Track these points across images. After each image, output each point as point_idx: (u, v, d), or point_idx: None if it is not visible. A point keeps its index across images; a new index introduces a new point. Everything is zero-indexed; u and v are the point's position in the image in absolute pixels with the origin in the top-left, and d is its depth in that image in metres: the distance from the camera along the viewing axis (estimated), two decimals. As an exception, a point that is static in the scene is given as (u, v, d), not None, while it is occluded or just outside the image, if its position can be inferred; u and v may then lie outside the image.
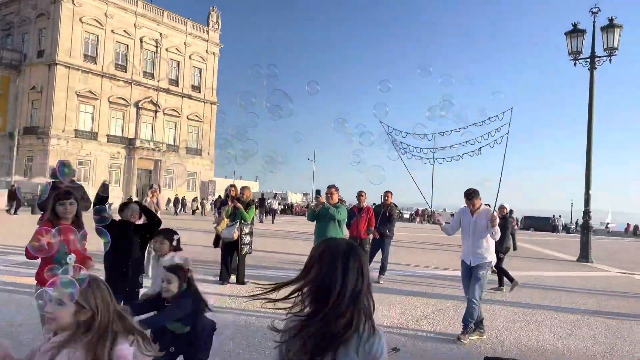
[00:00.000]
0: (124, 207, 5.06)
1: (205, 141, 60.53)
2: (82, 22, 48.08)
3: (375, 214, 10.77)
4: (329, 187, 8.44)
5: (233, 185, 10.19)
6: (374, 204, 14.46)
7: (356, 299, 1.78)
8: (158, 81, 55.03)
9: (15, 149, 44.71)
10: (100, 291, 2.10)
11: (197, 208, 47.11)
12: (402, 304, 8.50)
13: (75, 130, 48.17)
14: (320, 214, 8.20)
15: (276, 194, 36.76)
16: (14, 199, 28.71)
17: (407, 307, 8.33)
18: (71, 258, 3.89)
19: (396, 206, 11.75)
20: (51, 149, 46.06)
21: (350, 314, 1.76)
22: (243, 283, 9.34)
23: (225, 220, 9.46)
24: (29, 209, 31.30)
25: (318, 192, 8.59)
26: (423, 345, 6.18)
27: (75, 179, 8.13)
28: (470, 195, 6.65)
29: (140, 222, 5.31)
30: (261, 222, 33.31)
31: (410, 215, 64.38)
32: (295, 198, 77.14)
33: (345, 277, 1.79)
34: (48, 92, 46.96)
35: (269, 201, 41.28)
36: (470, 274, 6.59)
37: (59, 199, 4.43)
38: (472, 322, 6.38)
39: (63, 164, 7.63)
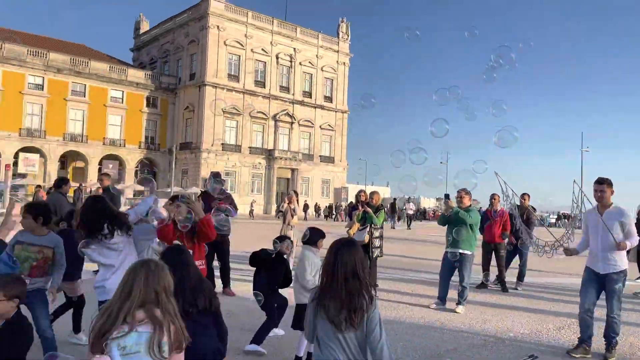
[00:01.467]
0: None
1: (337, 149, 62.37)
2: (226, 45, 52.75)
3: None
4: (459, 191, 8.34)
5: (363, 191, 10.50)
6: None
7: (348, 279, 2.85)
8: (293, 94, 58.15)
9: (173, 163, 50.41)
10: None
11: (328, 213, 48.77)
12: (540, 312, 8.07)
13: (222, 143, 52.84)
14: (451, 218, 8.15)
15: (410, 198, 36.11)
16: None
17: (546, 315, 7.89)
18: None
19: (534, 209, 11.12)
20: (202, 162, 51.08)
21: (347, 289, 2.84)
22: (375, 285, 9.59)
23: (356, 225, 9.80)
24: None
25: (447, 196, 8.52)
26: (562, 355, 5.86)
27: (224, 188, 9.12)
28: (601, 182, 5.77)
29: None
30: (392, 227, 33.12)
31: (558, 218, 59.26)
32: (428, 203, 75.69)
33: (336, 265, 2.88)
34: (199, 110, 52.25)
35: (404, 207, 41.15)
36: (597, 283, 5.80)
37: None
38: (615, 337, 5.83)
39: (214, 176, 8.60)
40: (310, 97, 59.95)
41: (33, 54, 46.87)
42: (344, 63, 62.97)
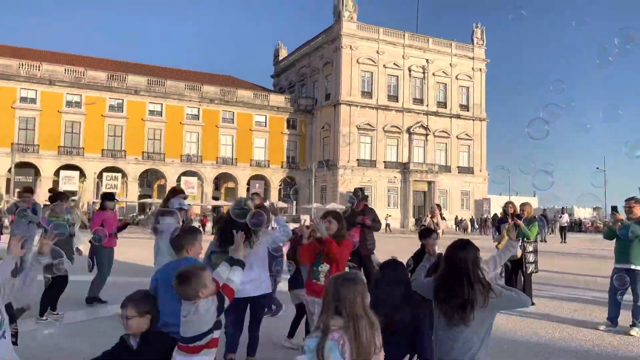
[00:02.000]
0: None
1: (476, 159, 59.78)
2: (358, 63, 53.99)
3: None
4: (628, 200, 7.51)
5: (511, 202, 9.96)
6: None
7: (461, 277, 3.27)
8: (427, 105, 57.27)
9: (312, 180, 52.59)
10: None
11: (467, 226, 46.81)
12: None
13: (358, 159, 53.82)
14: (619, 232, 7.36)
15: (564, 208, 32.95)
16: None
17: None
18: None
19: None
20: (339, 178, 52.51)
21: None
22: (531, 304, 8.96)
23: (505, 238, 9.31)
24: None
25: (614, 208, 7.73)
26: None
27: (366, 202, 9.31)
28: None
29: None
30: (543, 240, 30.58)
31: None
32: (583, 213, 68.57)
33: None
34: (334, 129, 53.97)
35: (554, 217, 37.85)
36: None
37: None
38: None
39: (358, 190, 8.81)
40: (445, 107, 58.49)
41: (190, 88, 52.64)
42: (480, 69, 60.48)
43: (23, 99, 45.87)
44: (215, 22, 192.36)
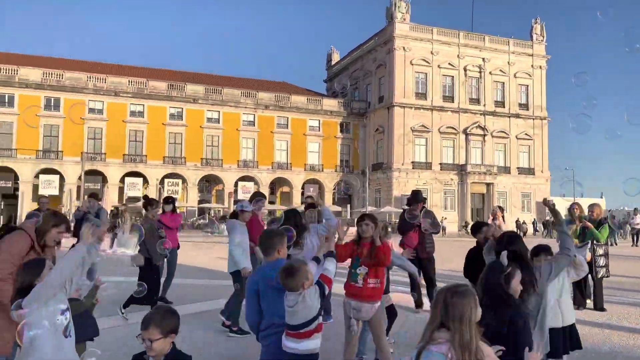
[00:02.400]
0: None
1: (537, 159, 57.52)
2: (412, 65, 53.35)
3: None
4: None
5: (577, 204, 9.52)
6: None
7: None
8: (484, 105, 55.73)
9: (367, 183, 52.35)
10: None
11: (527, 230, 44.92)
12: None
13: (412, 162, 53.09)
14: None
15: (636, 209, 30.96)
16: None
17: None
18: None
19: None
20: (394, 181, 51.99)
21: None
22: (602, 309, 8.52)
23: (575, 241, 8.91)
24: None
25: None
26: None
27: (424, 205, 9.18)
28: None
29: None
30: (612, 244, 28.82)
31: None
32: (657, 216, 64.30)
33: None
34: (388, 131, 53.54)
35: (622, 219, 35.74)
36: None
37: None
38: None
39: (416, 193, 8.72)
40: (503, 107, 56.69)
41: (246, 95, 53.87)
42: (540, 66, 58.22)
43: (91, 110, 48.55)
44: (269, 30, 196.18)
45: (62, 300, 3.14)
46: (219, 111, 52.79)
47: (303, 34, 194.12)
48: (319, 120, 56.48)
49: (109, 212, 43.11)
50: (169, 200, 9.42)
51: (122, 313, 7.41)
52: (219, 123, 52.79)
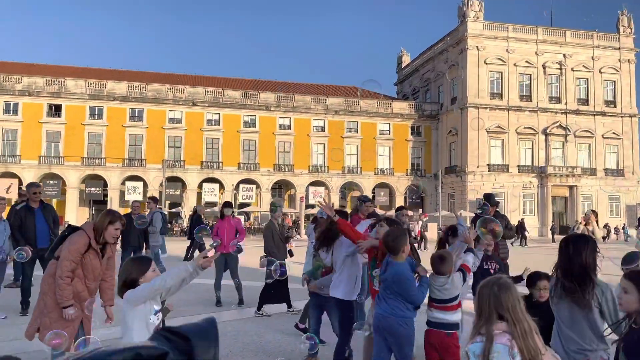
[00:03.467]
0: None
1: (627, 160, 53.50)
2: (486, 64, 51.57)
3: None
4: None
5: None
6: None
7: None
8: (565, 104, 52.73)
9: (439, 187, 51.16)
10: None
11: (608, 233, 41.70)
12: None
13: (488, 164, 51.22)
14: None
15: None
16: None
17: None
18: None
19: None
20: (468, 184, 50.40)
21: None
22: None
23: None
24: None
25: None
26: None
27: (498, 209, 8.81)
28: None
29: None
30: None
31: None
32: None
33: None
34: (462, 133, 52.03)
35: None
36: None
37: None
38: None
39: (489, 196, 8.41)
40: (587, 104, 53.32)
41: (316, 101, 54.56)
42: (629, 60, 54.22)
43: (171, 120, 51.26)
44: (339, 35, 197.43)
45: (157, 302, 3.34)
46: (290, 117, 53.84)
47: (373, 37, 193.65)
48: (390, 124, 55.99)
49: (188, 214, 45.09)
50: (228, 204, 9.83)
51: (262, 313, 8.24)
52: (290, 129, 53.83)
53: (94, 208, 50.06)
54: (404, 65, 68.27)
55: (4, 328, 6.79)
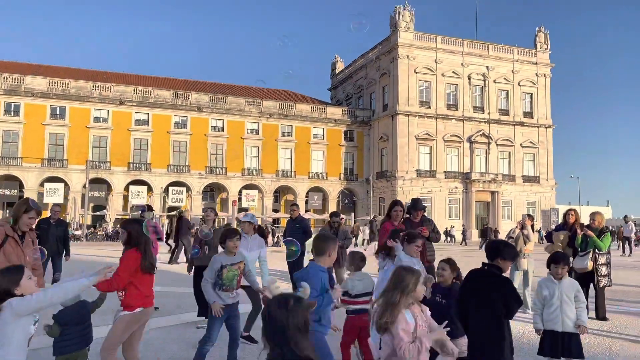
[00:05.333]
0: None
1: (542, 167, 57.30)
2: (416, 73, 53.42)
3: None
4: None
5: (572, 210, 9.43)
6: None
7: None
8: (488, 113, 55.67)
9: (371, 191, 52.26)
10: None
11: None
12: None
13: (417, 170, 53.01)
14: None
15: (626, 216, 30.41)
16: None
17: None
18: None
19: None
20: (398, 189, 51.89)
21: None
22: (604, 319, 8.43)
23: (557, 245, 8.83)
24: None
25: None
26: None
27: (425, 213, 9.11)
28: None
29: None
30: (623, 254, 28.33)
31: None
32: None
33: None
34: (392, 139, 53.52)
35: (621, 227, 35.30)
36: None
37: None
38: None
39: (416, 201, 8.66)
40: (508, 115, 56.61)
41: (250, 104, 54.07)
42: (545, 74, 58.17)
43: (96, 119, 48.83)
44: (273, 38, 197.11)
45: (38, 313, 3.22)
46: (223, 119, 52.98)
47: (307, 42, 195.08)
48: (324, 129, 56.55)
49: (113, 219, 42.94)
50: (148, 208, 9.60)
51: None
52: (223, 131, 52.96)
53: (8, 212, 46.61)
54: (337, 71, 69.27)
55: None
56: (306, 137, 55.64)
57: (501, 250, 3.93)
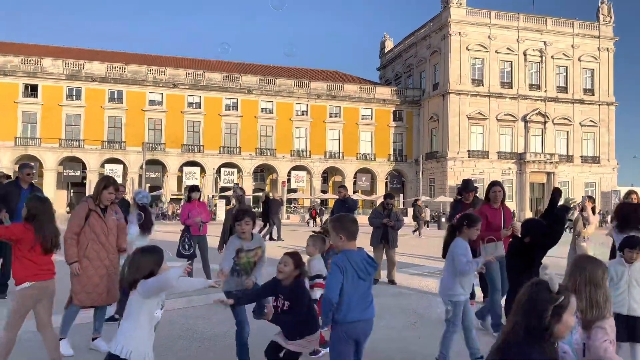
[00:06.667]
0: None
1: (603, 147, 54.59)
2: (468, 50, 51.79)
3: None
4: None
5: (634, 191, 8.93)
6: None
7: None
8: (545, 91, 53.39)
9: (420, 173, 51.59)
10: None
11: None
12: None
13: (468, 150, 51.77)
14: None
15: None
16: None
17: None
18: None
19: None
20: (449, 170, 50.94)
21: None
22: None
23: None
24: (435, 225, 35.45)
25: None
26: None
27: (476, 194, 8.95)
28: None
29: None
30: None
31: None
32: None
33: None
34: (443, 119, 52.40)
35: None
36: None
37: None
38: None
39: (467, 182, 8.55)
40: (566, 92, 54.08)
41: (298, 85, 54.26)
42: (608, 49, 54.98)
43: (151, 102, 50.52)
44: (321, 19, 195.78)
45: (163, 299, 3.24)
46: (272, 101, 53.51)
47: (356, 22, 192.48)
48: (372, 109, 56.06)
49: (168, 199, 44.58)
50: (196, 188, 9.89)
51: None
52: (272, 113, 53.53)
53: (72, 191, 49.31)
54: (387, 50, 68.16)
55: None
56: (354, 118, 55.38)
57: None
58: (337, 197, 11.28)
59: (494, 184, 6.95)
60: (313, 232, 5.50)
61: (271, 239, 18.59)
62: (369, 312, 3.57)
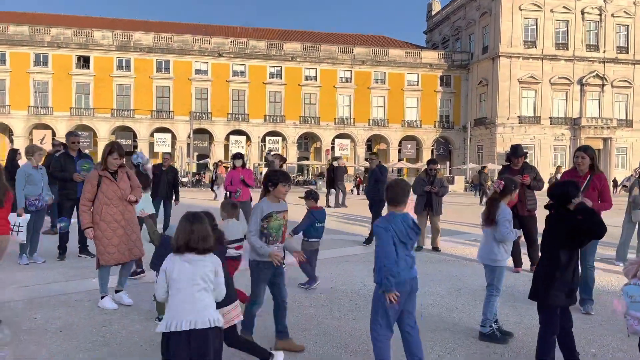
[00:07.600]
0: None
1: (667, 111, 51.30)
2: (521, 10, 49.26)
3: None
4: None
5: None
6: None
7: None
8: (604, 52, 50.35)
9: (468, 140, 50.31)
10: None
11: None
12: None
13: (519, 116, 49.90)
14: None
15: None
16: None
17: None
18: None
19: None
20: (498, 137, 49.38)
21: None
22: None
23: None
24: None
25: None
26: None
27: (526, 160, 8.64)
28: None
29: None
30: None
31: None
32: None
33: None
34: (492, 84, 50.51)
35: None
36: None
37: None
38: None
39: (516, 147, 8.26)
40: (627, 53, 50.80)
41: (342, 51, 53.44)
42: (675, 4, 50.93)
43: (197, 72, 51.18)
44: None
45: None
46: (316, 68, 53.06)
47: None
48: (418, 74, 54.67)
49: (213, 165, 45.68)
50: (239, 156, 10.11)
51: None
52: (316, 80, 53.16)
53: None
54: (434, 13, 65.81)
55: (44, 272, 7.16)
56: (400, 83, 54.23)
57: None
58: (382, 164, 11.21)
59: (578, 149, 6.12)
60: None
61: (327, 205, 18.64)
62: (412, 272, 3.69)
